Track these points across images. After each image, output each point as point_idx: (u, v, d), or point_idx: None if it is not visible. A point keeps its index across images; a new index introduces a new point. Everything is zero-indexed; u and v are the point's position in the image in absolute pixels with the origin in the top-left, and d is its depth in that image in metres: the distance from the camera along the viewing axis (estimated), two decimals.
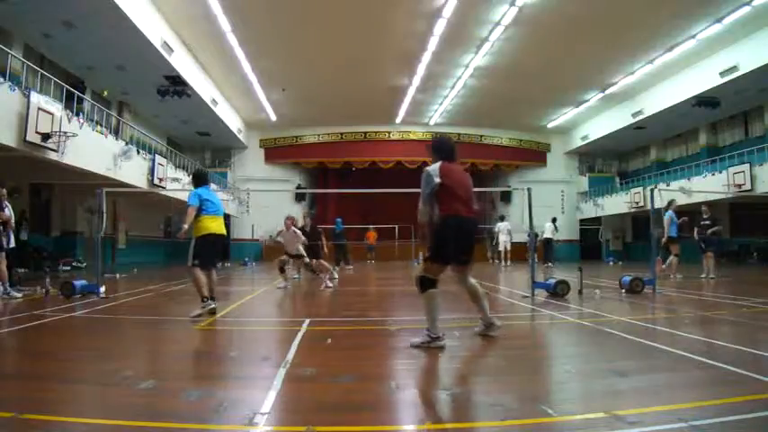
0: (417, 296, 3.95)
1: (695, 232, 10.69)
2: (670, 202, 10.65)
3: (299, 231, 9.38)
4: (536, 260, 8.71)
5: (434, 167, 3.87)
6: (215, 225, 5.54)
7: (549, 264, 16.80)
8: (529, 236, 8.18)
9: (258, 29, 14.29)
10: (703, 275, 10.16)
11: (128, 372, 3.10)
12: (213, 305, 5.46)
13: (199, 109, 18.06)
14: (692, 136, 21.03)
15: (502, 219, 18.87)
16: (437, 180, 3.79)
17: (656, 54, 15.61)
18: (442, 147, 4.10)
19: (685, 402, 2.44)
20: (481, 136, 24.95)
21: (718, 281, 9.73)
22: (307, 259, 9.33)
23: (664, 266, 10.27)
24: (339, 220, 16.04)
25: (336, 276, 10.52)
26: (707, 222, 10.56)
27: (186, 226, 5.36)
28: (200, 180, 5.77)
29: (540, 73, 17.31)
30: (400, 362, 3.54)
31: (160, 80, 15.28)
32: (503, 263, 17.30)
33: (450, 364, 3.45)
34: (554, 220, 18.33)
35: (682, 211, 11.09)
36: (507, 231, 17.63)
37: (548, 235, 17.52)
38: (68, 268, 13.83)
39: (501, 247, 17.74)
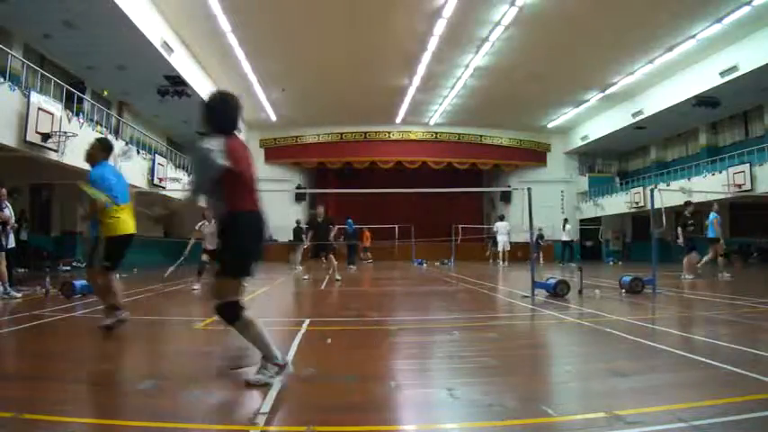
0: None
1: (679, 232, 10.72)
2: (712, 204, 11.00)
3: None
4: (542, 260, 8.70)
5: (218, 143, 2.68)
6: (132, 221, 4.50)
7: (561, 263, 17.01)
8: (530, 236, 8.19)
9: (258, 29, 14.28)
10: (727, 274, 10.34)
11: (128, 372, 3.10)
12: (126, 314, 4.49)
13: (199, 109, 18.03)
14: (692, 136, 21.02)
15: (501, 218, 18.85)
16: (223, 163, 2.64)
17: (656, 54, 15.60)
18: (225, 112, 2.86)
19: (685, 402, 2.44)
20: (481, 136, 24.95)
21: (695, 281, 9.77)
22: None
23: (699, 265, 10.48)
24: (350, 220, 16.24)
25: (307, 277, 10.60)
26: (692, 222, 10.64)
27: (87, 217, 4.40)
28: (104, 152, 4.50)
29: (540, 73, 17.30)
30: (400, 362, 3.54)
31: (160, 80, 15.27)
32: (502, 263, 17.32)
33: (449, 364, 3.45)
34: (566, 221, 18.60)
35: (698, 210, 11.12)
36: (506, 231, 17.67)
37: (565, 237, 18.39)
38: (68, 268, 13.82)
39: (500, 247, 17.76)
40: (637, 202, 20.34)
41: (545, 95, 20.20)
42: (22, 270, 11.10)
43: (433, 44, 15.02)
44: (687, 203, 10.77)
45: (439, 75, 17.87)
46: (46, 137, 9.29)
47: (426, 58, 16.09)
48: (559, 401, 2.63)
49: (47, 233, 15.19)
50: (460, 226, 20.45)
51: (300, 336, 4.29)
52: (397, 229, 22.11)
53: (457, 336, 4.40)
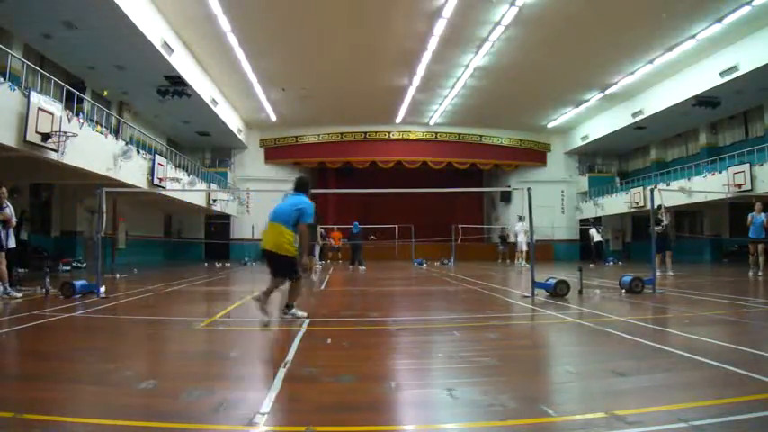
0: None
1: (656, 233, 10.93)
2: (754, 205, 11.56)
3: None
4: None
5: None
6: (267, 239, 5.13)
7: (592, 264, 17.24)
8: (525, 235, 8.22)
9: (258, 29, 14.29)
10: (751, 272, 10.88)
11: (128, 372, 3.10)
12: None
13: (199, 109, 18.06)
14: (692, 136, 21.03)
15: (520, 219, 18.83)
16: None
17: (656, 54, 15.61)
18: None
19: (685, 402, 2.44)
20: (481, 136, 24.97)
21: (673, 279, 10.03)
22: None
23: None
24: (356, 223, 16.60)
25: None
26: (667, 224, 11.38)
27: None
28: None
29: (540, 73, 17.31)
30: (400, 362, 3.53)
31: (160, 80, 15.28)
32: (521, 262, 17.47)
33: (449, 365, 3.45)
34: (594, 223, 19.36)
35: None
36: (524, 232, 17.76)
37: (597, 239, 18.79)
38: (68, 268, 13.82)
39: (518, 248, 17.90)
40: (637, 202, 20.35)
41: (545, 96, 20.22)
42: (22, 270, 11.09)
43: (433, 44, 15.02)
44: (659, 207, 11.23)
45: (439, 75, 17.87)
46: (46, 137, 9.27)
47: (426, 58, 16.09)
48: (559, 401, 2.63)
49: (47, 233, 15.19)
50: (460, 226, 20.45)
51: (300, 336, 4.29)
52: (397, 229, 22.10)
53: (457, 336, 4.40)
